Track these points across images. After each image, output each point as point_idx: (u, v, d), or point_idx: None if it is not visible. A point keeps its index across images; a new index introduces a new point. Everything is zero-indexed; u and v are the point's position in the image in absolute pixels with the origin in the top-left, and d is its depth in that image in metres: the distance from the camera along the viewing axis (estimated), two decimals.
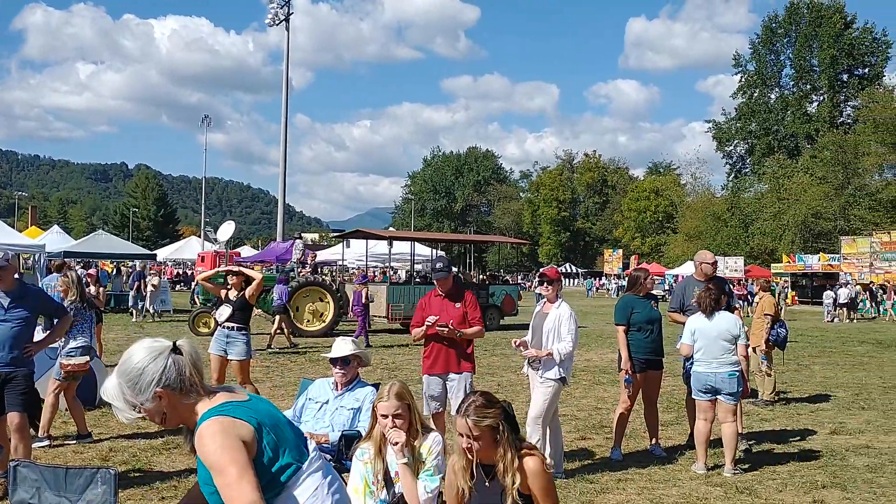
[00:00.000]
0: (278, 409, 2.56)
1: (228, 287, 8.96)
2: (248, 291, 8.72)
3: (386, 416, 3.83)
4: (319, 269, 21.17)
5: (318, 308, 19.69)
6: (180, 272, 51.31)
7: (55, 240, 29.81)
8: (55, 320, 6.67)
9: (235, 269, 9.20)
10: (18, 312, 5.96)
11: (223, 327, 8.63)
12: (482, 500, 3.33)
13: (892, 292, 32.56)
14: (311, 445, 2.52)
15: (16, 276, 6.22)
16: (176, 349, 2.41)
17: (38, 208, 71.41)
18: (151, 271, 28.68)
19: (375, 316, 20.46)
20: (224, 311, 8.66)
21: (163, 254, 51.41)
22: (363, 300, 17.78)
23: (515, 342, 6.87)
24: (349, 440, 4.62)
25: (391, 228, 39.16)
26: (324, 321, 19.60)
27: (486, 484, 3.32)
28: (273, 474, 2.33)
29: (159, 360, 2.35)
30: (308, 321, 19.50)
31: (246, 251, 51.70)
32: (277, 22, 42.20)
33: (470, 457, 3.30)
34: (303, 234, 27.32)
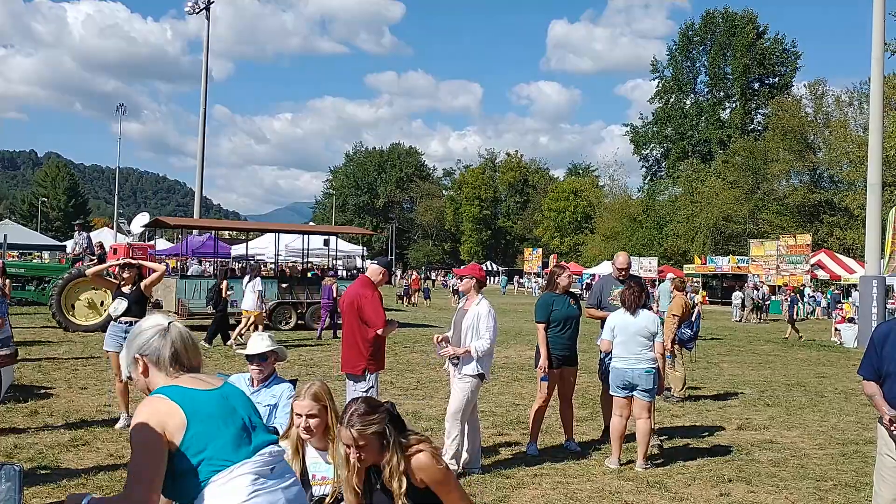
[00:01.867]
0: (246, 404, 2.61)
1: (121, 282, 8.56)
2: (144, 283, 8.37)
3: (300, 416, 3.78)
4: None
5: (94, 299, 18.17)
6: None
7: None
8: None
9: (128, 261, 8.80)
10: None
11: (118, 322, 8.27)
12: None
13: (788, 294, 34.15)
14: (267, 450, 2.49)
15: None
16: (168, 329, 2.63)
17: None
18: (61, 263, 27.63)
19: (171, 312, 18.91)
20: (120, 306, 8.28)
21: (72, 245, 49.56)
22: (333, 294, 18.47)
23: (437, 338, 6.89)
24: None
25: (311, 223, 38.72)
26: (100, 314, 17.90)
27: (378, 487, 3.24)
28: (192, 466, 2.34)
29: (149, 332, 2.61)
30: (85, 315, 18.04)
31: (161, 244, 50.31)
32: (197, 10, 41.26)
33: (358, 465, 3.22)
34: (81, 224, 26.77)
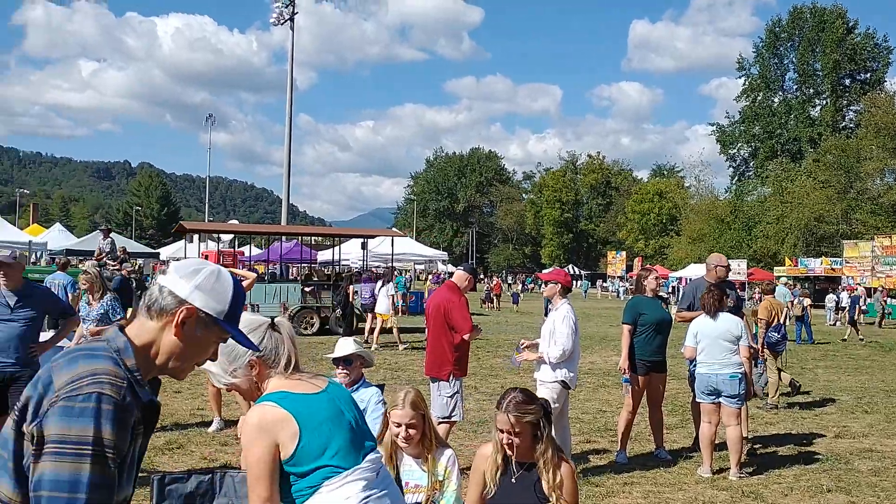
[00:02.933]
0: (350, 405, 2.54)
1: None
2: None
3: (399, 425, 3.72)
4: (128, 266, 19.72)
5: None
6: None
7: (57, 238, 29.84)
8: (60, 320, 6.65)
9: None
10: (25, 312, 5.88)
11: None
12: (504, 496, 3.33)
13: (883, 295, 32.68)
14: (372, 456, 2.47)
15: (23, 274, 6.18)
16: (274, 326, 2.56)
17: (40, 206, 71.34)
18: (156, 270, 28.69)
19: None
20: None
21: (166, 252, 51.31)
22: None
23: (522, 344, 6.87)
24: None
25: (393, 228, 39.18)
26: None
27: (513, 480, 3.33)
28: (304, 473, 2.33)
29: (256, 333, 2.47)
30: None
31: (251, 250, 51.61)
32: (282, 21, 42.22)
33: (510, 452, 3.32)
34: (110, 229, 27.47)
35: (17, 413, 1.72)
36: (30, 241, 24.29)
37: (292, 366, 2.50)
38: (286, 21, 42.26)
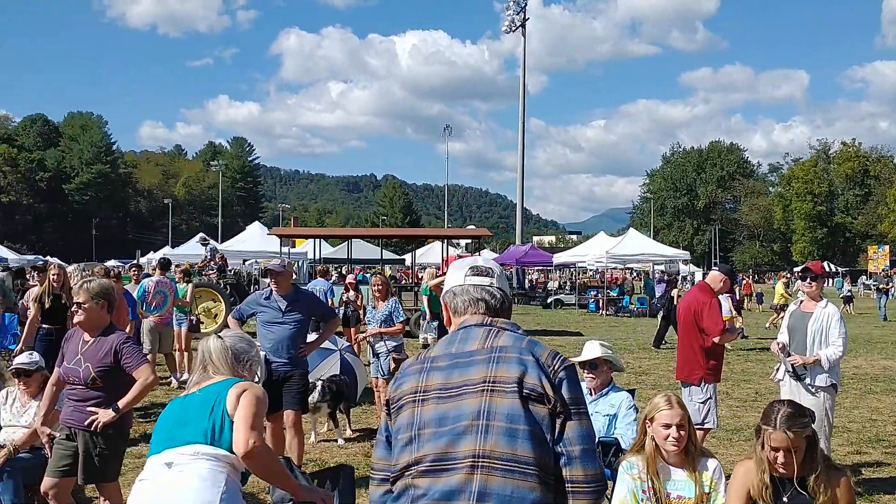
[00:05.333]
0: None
1: None
2: None
3: (669, 426, 3.58)
4: (225, 270, 19.80)
5: (210, 308, 18.69)
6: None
7: (315, 248, 32.15)
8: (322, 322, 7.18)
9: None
10: (294, 315, 6.41)
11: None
12: None
13: None
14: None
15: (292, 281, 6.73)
16: None
17: (299, 219, 77.99)
18: (400, 275, 30.20)
19: None
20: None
21: (409, 259, 53.87)
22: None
23: (775, 346, 6.42)
24: (606, 447, 4.50)
25: (631, 229, 38.43)
26: (217, 322, 18.22)
27: (784, 500, 3.14)
28: None
29: None
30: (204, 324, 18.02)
31: (486, 254, 52.96)
32: (514, 28, 42.91)
33: (783, 472, 3.17)
34: (206, 237, 27.90)
35: (516, 388, 2.10)
36: (288, 251, 26.39)
37: None
38: (517, 28, 42.89)
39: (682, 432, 3.55)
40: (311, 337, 7.08)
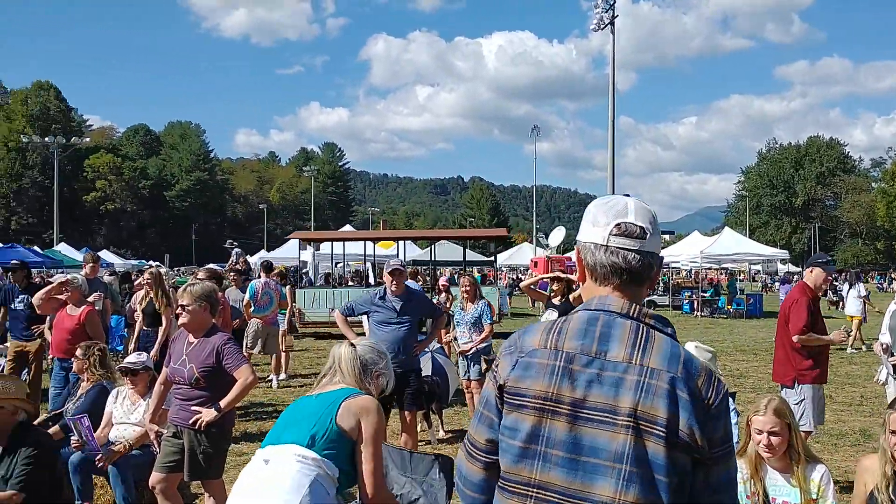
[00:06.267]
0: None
1: (552, 294, 9.02)
2: (573, 296, 8.71)
3: (760, 432, 3.53)
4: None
5: None
6: (513, 277, 53.47)
7: (404, 250, 32.53)
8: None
9: (557, 275, 9.25)
10: (408, 316, 6.50)
11: None
12: None
13: None
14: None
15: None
16: None
17: (388, 221, 78.77)
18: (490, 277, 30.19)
19: None
20: (550, 316, 8.76)
21: (499, 260, 53.89)
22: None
23: (880, 346, 6.16)
24: None
25: (726, 228, 37.33)
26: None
27: None
28: None
29: None
30: None
31: (575, 255, 52.40)
32: (602, 27, 42.38)
33: None
34: (234, 242, 27.95)
35: (664, 433, 1.73)
36: (373, 254, 26.78)
37: None
38: (606, 26, 42.35)
39: (773, 439, 3.46)
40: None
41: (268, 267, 12.46)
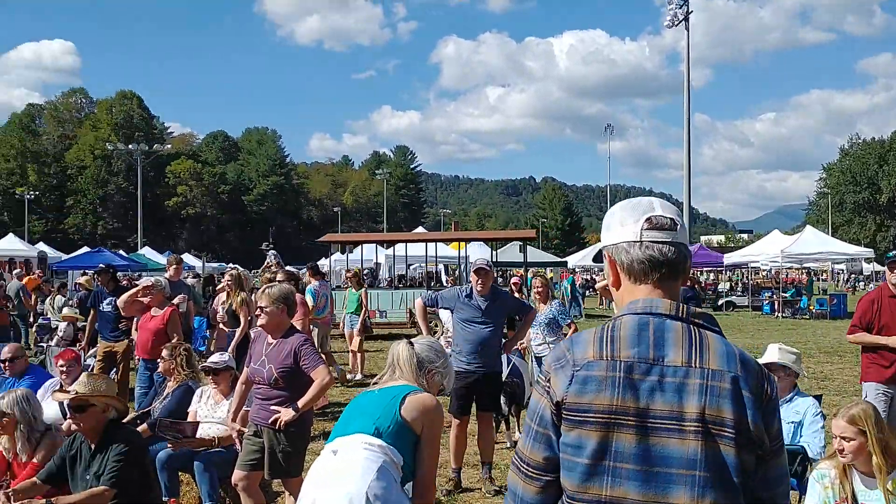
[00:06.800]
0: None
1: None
2: (598, 286, 8.66)
3: (836, 437, 3.51)
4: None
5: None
6: (587, 278, 52.97)
7: (476, 252, 32.53)
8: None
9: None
10: (493, 315, 6.44)
11: None
12: None
13: None
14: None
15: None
16: None
17: (460, 223, 79.11)
18: (563, 279, 30.05)
19: None
20: None
21: (572, 261, 53.48)
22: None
23: None
24: (792, 456, 4.29)
25: (807, 227, 36.13)
26: None
27: None
28: None
29: None
30: None
31: (607, 261, 51.52)
32: (676, 23, 41.72)
33: None
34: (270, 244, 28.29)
35: (734, 434, 1.72)
36: (346, 257, 26.82)
37: None
38: (680, 22, 41.67)
39: (845, 444, 3.40)
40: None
41: (316, 269, 12.73)
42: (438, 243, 25.79)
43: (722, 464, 1.71)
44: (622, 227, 1.90)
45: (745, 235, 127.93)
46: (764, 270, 39.01)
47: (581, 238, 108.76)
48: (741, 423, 1.72)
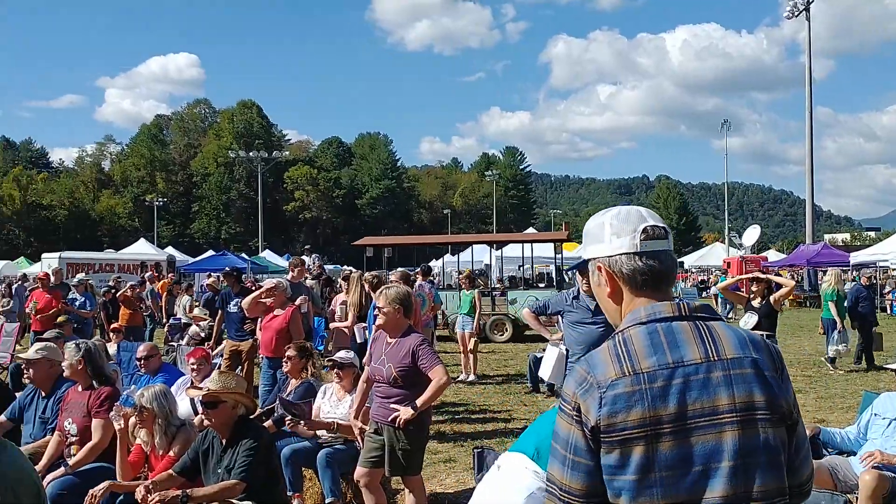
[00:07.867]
0: None
1: (751, 296, 8.72)
2: (773, 297, 8.39)
3: None
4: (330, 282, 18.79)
5: None
6: (704, 279, 51.55)
7: (588, 253, 32.26)
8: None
9: (757, 276, 8.93)
10: (603, 315, 6.40)
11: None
12: None
13: None
14: None
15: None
16: None
17: (571, 224, 78.44)
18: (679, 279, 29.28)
19: None
20: (750, 320, 8.45)
21: (688, 261, 52.20)
22: None
23: None
24: None
25: None
26: None
27: None
28: None
29: None
30: None
31: (772, 255, 49.78)
32: (796, 13, 40.12)
33: None
34: (309, 250, 28.44)
35: (768, 415, 1.79)
36: (555, 257, 26.73)
37: None
38: (800, 12, 40.04)
39: None
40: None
41: (426, 271, 12.89)
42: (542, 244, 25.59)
43: (765, 446, 1.77)
44: (618, 238, 1.95)
45: (872, 233, 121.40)
46: (893, 270, 36.88)
47: (697, 238, 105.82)
48: (772, 402, 1.79)
